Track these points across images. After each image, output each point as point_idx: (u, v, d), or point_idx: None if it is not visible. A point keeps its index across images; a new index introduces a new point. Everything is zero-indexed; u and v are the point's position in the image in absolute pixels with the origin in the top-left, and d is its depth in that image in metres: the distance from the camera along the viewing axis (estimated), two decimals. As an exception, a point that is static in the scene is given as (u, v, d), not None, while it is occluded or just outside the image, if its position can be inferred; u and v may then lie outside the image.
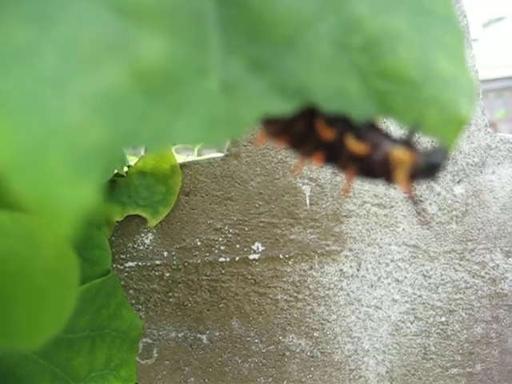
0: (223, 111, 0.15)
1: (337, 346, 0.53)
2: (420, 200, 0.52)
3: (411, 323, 0.53)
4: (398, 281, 0.53)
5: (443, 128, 0.18)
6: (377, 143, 0.19)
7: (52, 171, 0.12)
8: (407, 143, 0.19)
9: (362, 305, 0.53)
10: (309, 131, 0.19)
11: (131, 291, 0.53)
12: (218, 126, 0.15)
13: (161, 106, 0.15)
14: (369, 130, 0.19)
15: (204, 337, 0.54)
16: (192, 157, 0.58)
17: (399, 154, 0.18)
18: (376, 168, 0.19)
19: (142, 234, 0.53)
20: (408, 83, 0.18)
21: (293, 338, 0.53)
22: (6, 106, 0.13)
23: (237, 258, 0.53)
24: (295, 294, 0.53)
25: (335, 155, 0.20)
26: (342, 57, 0.18)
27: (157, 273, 0.53)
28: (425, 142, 0.50)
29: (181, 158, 0.57)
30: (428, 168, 0.18)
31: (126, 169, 0.51)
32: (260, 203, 0.52)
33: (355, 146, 0.19)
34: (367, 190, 0.52)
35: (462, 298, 0.53)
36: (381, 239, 0.52)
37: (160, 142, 0.14)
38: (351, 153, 0.19)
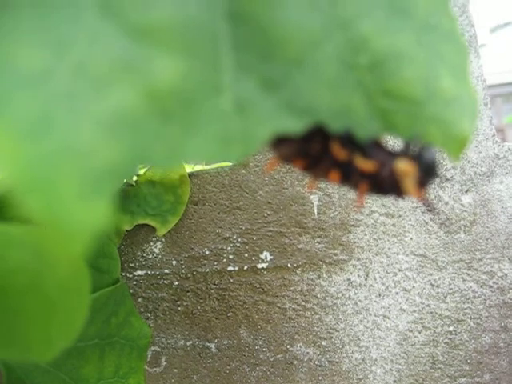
0: (237, 129, 0.16)
1: (344, 355, 0.53)
2: (428, 210, 0.52)
3: (419, 332, 0.53)
4: (405, 290, 0.53)
5: (445, 145, 0.18)
6: (383, 160, 0.19)
7: (64, 191, 0.12)
8: (406, 154, 0.19)
9: (370, 314, 0.53)
10: (324, 152, 0.20)
11: (140, 300, 0.54)
12: (232, 143, 0.15)
13: (174, 125, 0.15)
14: (375, 148, 0.20)
15: (212, 345, 0.54)
16: (200, 166, 0.59)
17: (402, 166, 0.19)
18: (386, 184, 0.19)
19: (151, 243, 0.53)
20: (411, 102, 0.18)
21: (301, 346, 0.53)
22: (20, 127, 0.13)
23: (245, 267, 0.53)
24: (303, 303, 0.53)
25: (348, 174, 0.20)
26: (347, 76, 0.18)
27: (165, 281, 0.53)
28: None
29: (189, 168, 0.58)
30: (427, 169, 0.19)
31: (135, 178, 0.52)
32: (268, 212, 0.52)
33: (364, 164, 0.19)
34: (375, 199, 0.52)
35: (470, 308, 0.53)
36: (389, 248, 0.53)
37: (173, 161, 0.15)
38: (361, 171, 0.19)
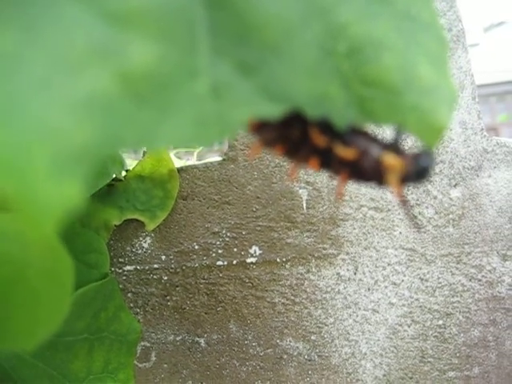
0: (212, 113, 0.16)
1: (334, 350, 0.54)
2: (416, 204, 0.53)
3: (408, 326, 0.53)
4: (395, 284, 0.53)
5: (423, 134, 0.18)
6: (365, 148, 0.19)
7: (36, 171, 0.13)
8: (396, 148, 0.19)
9: (360, 308, 0.53)
10: (303, 138, 0.20)
11: (129, 295, 0.54)
12: (207, 126, 0.16)
13: (149, 108, 0.15)
14: (356, 135, 0.20)
15: (202, 340, 0.54)
16: (191, 161, 0.59)
17: (390, 160, 0.19)
18: (367, 172, 0.19)
19: (140, 238, 0.53)
20: (389, 90, 0.18)
21: (290, 341, 0.54)
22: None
23: (234, 262, 0.53)
24: (292, 298, 0.53)
25: (328, 161, 0.20)
26: (325, 63, 0.18)
27: (155, 276, 0.53)
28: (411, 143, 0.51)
29: (180, 163, 0.58)
30: (417, 172, 0.19)
31: (124, 173, 0.52)
32: (257, 207, 0.53)
33: (343, 151, 0.19)
34: (364, 193, 0.52)
35: (459, 302, 0.53)
36: (378, 243, 0.53)
37: (147, 143, 0.15)
38: (341, 158, 0.20)
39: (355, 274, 0.53)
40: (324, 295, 0.53)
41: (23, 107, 0.13)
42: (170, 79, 0.15)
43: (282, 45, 0.17)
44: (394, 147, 0.19)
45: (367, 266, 0.53)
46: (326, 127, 0.19)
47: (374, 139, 0.20)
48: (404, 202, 0.22)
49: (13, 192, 0.12)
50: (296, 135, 0.20)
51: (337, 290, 0.53)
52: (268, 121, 0.18)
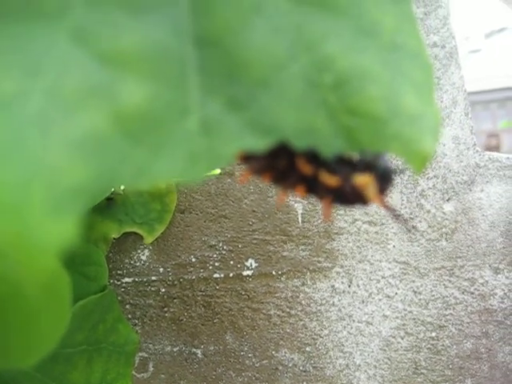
0: (202, 148, 0.17)
1: (329, 361, 0.54)
2: (410, 218, 0.53)
3: (402, 338, 0.54)
4: (388, 297, 0.54)
5: (407, 161, 0.19)
6: (346, 175, 0.20)
7: (34, 208, 0.13)
8: (362, 165, 0.20)
9: (354, 320, 0.54)
10: (290, 167, 0.21)
11: (128, 306, 0.54)
12: (197, 162, 0.16)
13: (141, 146, 0.16)
14: (339, 163, 0.20)
15: (199, 351, 0.55)
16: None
17: (361, 179, 0.20)
18: (350, 196, 0.20)
19: (139, 251, 0.54)
20: (375, 120, 0.19)
21: (285, 352, 0.54)
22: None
23: (231, 274, 0.54)
24: (288, 310, 0.54)
25: (315, 187, 0.21)
26: (312, 95, 0.19)
27: (153, 288, 0.54)
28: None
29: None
30: (384, 177, 0.20)
31: (122, 187, 0.52)
32: (253, 221, 0.53)
33: (328, 179, 0.20)
34: (358, 207, 0.53)
35: (451, 314, 0.54)
36: (372, 256, 0.53)
37: (140, 180, 0.16)
38: (326, 185, 0.20)
39: (349, 286, 0.54)
40: (319, 307, 0.54)
41: (21, 146, 0.14)
42: (162, 117, 0.16)
43: (270, 79, 0.18)
44: (360, 165, 0.20)
45: (361, 279, 0.54)
46: (312, 156, 0.20)
47: (351, 163, 0.21)
48: (393, 213, 0.23)
49: (10, 228, 0.13)
50: (283, 164, 0.21)
51: (331, 302, 0.54)
52: (255, 152, 0.19)
